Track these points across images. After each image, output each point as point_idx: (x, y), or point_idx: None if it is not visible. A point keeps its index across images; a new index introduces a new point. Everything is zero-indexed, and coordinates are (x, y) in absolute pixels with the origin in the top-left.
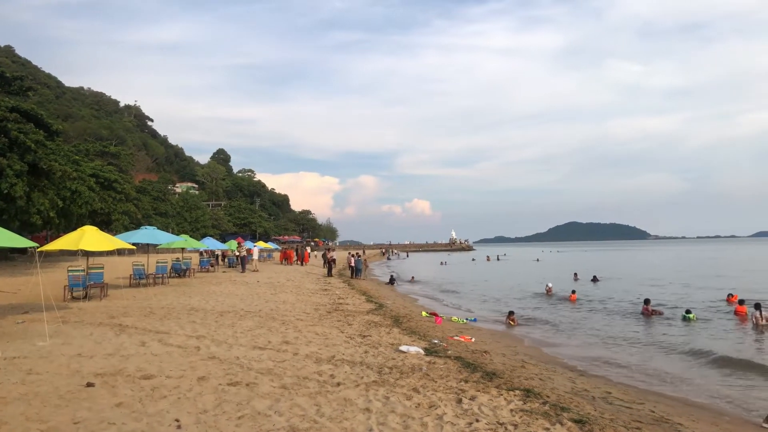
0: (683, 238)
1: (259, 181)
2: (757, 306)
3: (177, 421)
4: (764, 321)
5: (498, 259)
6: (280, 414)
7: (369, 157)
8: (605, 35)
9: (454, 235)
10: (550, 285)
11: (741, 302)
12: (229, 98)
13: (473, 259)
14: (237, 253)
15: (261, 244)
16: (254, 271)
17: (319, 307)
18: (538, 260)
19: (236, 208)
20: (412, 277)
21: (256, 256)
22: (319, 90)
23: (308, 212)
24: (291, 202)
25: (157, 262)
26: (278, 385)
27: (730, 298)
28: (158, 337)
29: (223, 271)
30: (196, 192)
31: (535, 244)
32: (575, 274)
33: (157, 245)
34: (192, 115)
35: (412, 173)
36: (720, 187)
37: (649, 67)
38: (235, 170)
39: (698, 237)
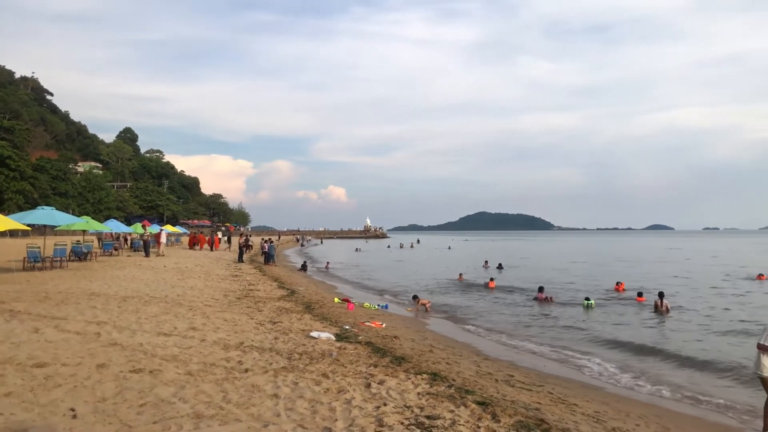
0: (584, 229)
1: (167, 163)
2: (661, 294)
3: (72, 410)
4: (665, 308)
5: (412, 247)
6: (184, 401)
7: (284, 142)
8: (517, 32)
9: (368, 222)
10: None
11: (640, 294)
12: (137, 75)
13: (388, 246)
14: (142, 237)
15: (169, 228)
16: (160, 255)
17: (228, 294)
18: (450, 248)
19: (143, 189)
20: (327, 264)
21: (163, 240)
22: (233, 70)
23: (219, 196)
24: (201, 185)
25: (56, 245)
26: (183, 372)
27: (617, 286)
28: (54, 324)
29: (128, 255)
30: (100, 172)
31: (447, 232)
32: (486, 261)
33: (55, 227)
34: (97, 91)
35: (328, 160)
36: (618, 183)
37: (557, 65)
38: (142, 150)
39: (598, 228)
